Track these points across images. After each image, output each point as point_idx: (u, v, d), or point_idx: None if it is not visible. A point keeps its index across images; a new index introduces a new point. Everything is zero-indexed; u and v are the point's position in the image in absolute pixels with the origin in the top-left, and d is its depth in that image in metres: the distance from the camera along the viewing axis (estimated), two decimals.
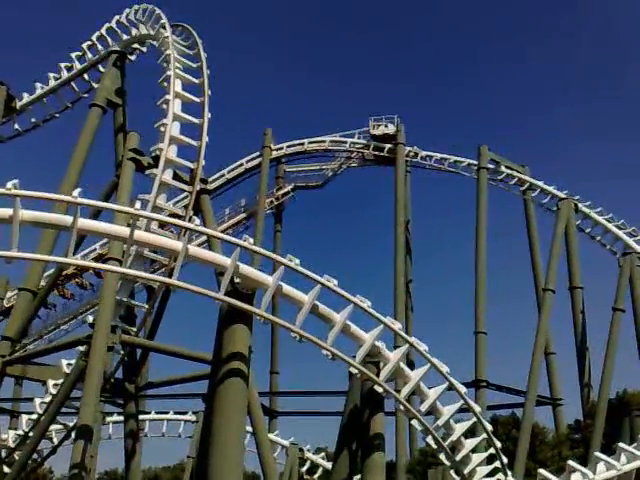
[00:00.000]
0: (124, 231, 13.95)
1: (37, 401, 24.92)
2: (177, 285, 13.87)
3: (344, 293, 14.89)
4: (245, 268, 14.27)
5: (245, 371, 14.22)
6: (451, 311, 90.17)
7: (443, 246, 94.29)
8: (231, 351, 14.13)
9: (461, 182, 44.21)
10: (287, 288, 14.66)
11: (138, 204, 14.39)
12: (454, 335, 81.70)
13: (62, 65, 29.46)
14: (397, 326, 15.99)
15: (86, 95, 29.16)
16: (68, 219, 13.27)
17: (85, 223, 13.58)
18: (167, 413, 36.00)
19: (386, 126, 44.83)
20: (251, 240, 14.33)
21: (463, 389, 16.93)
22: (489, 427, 17.60)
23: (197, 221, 15.04)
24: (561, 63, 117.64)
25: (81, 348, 19.80)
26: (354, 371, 15.76)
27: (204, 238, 25.60)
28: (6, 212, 12.71)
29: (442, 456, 16.93)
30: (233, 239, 14.79)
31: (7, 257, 12.88)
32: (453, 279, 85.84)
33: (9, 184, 12.64)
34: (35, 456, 25.32)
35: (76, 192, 13.23)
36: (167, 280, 14.69)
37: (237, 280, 14.28)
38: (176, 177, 21.43)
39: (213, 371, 14.85)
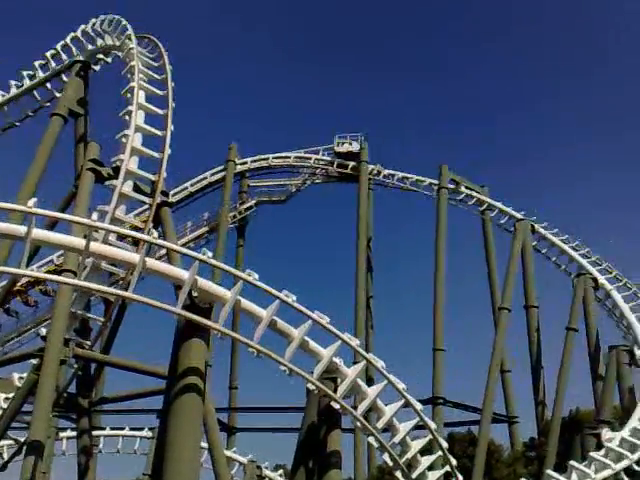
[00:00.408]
0: (79, 242, 13.71)
1: None
2: (133, 298, 13.72)
3: (302, 309, 14.86)
4: (203, 282, 14.15)
5: (201, 386, 14.05)
6: (412, 326, 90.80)
7: (405, 262, 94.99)
8: (187, 366, 13.96)
9: (423, 199, 44.86)
10: (245, 303, 14.57)
11: (95, 215, 14.26)
12: (415, 350, 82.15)
13: (24, 73, 28.97)
14: (355, 342, 16.01)
15: (48, 104, 28.64)
16: (22, 229, 13.04)
17: (40, 233, 13.36)
18: (123, 429, 35.22)
19: (350, 144, 45.47)
20: (210, 254, 14.24)
21: (419, 406, 16.99)
22: (444, 444, 17.65)
23: (155, 234, 14.90)
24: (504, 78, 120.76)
25: (33, 361, 19.36)
26: (311, 387, 15.72)
27: (164, 251, 25.28)
28: None
29: (398, 474, 16.80)
30: (191, 252, 14.69)
31: None
32: (414, 294, 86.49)
33: None
34: None
35: (31, 202, 13.02)
36: (122, 293, 14.46)
37: (195, 294, 14.17)
38: (137, 189, 21.13)
39: (168, 386, 14.64)
